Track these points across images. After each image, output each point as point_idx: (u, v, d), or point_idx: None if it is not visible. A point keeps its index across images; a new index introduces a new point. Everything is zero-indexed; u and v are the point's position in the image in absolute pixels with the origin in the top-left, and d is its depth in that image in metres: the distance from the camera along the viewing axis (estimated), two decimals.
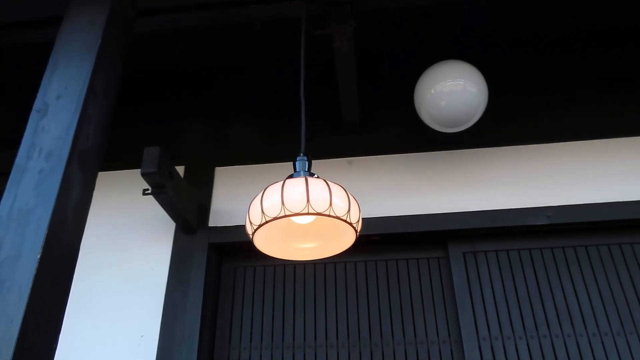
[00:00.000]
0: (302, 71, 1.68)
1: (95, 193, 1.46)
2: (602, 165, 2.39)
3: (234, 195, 2.57)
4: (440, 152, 2.52)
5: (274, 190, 1.30)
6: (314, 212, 1.24)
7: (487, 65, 2.32)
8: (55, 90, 1.49)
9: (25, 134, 1.43)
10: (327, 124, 2.64)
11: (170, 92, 2.89)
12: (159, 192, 2.13)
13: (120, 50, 1.66)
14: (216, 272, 2.44)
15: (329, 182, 1.32)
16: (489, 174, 2.45)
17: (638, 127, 2.44)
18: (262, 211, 1.28)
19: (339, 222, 1.39)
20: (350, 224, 1.31)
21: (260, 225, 1.29)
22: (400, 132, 2.61)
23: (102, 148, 1.52)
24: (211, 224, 2.49)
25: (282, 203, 1.25)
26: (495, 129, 2.50)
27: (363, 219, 1.44)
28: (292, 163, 2.51)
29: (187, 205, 2.35)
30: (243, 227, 2.38)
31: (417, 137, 2.55)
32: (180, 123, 2.80)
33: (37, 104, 1.47)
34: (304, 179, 1.31)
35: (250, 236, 1.37)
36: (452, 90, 2.14)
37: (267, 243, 1.46)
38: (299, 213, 1.24)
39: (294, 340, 2.27)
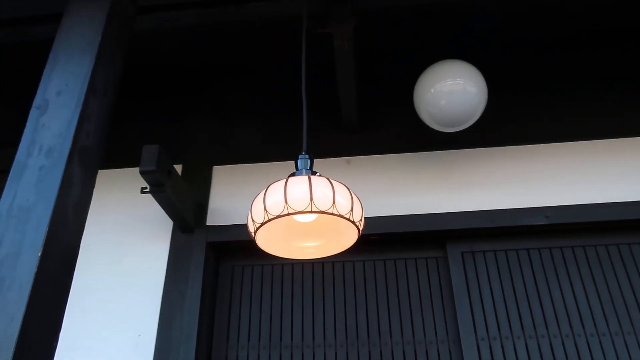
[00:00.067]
0: (303, 69, 1.67)
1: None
2: (601, 165, 2.40)
3: (232, 194, 2.56)
4: (439, 152, 2.52)
5: (276, 188, 1.30)
6: (318, 210, 1.24)
7: (487, 65, 2.33)
8: (55, 86, 1.48)
9: (25, 130, 1.41)
10: (325, 123, 2.64)
11: (168, 91, 2.87)
12: (158, 191, 2.12)
13: (121, 47, 1.65)
14: (214, 271, 2.43)
15: (332, 181, 1.32)
16: (487, 174, 2.46)
17: (637, 128, 2.45)
18: (265, 209, 1.27)
19: (341, 221, 1.39)
20: (353, 222, 1.31)
21: (263, 224, 1.28)
22: (399, 131, 2.61)
23: (102, 145, 1.51)
24: (209, 222, 2.49)
25: (285, 201, 1.25)
26: (494, 129, 2.50)
27: None
28: (290, 162, 2.50)
29: (185, 204, 2.34)
30: (241, 226, 2.42)
31: (416, 137, 2.55)
32: (179, 121, 2.79)
33: (37, 100, 1.46)
34: (307, 177, 1.31)
35: (253, 234, 1.36)
36: (452, 90, 2.14)
37: (269, 242, 1.45)
38: (303, 211, 1.24)
39: (292, 339, 2.26)
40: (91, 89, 1.46)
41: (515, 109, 2.58)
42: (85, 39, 1.55)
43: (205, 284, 2.31)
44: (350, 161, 2.58)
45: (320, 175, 1.36)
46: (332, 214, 1.25)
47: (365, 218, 1.42)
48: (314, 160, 1.50)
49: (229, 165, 2.64)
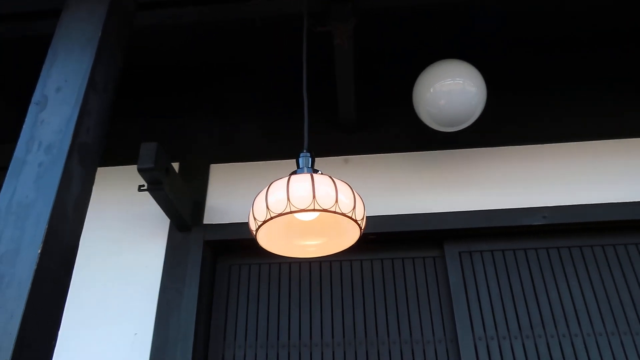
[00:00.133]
0: (304, 68, 1.67)
1: None
2: (599, 166, 2.41)
3: (230, 193, 2.55)
4: (437, 151, 2.53)
5: (279, 186, 1.29)
6: (320, 208, 1.23)
7: (486, 64, 2.33)
8: (54, 82, 1.47)
9: (24, 126, 1.40)
10: (324, 122, 2.63)
11: (167, 89, 2.86)
12: (155, 189, 2.11)
13: (121, 43, 1.64)
14: (211, 270, 2.42)
15: (334, 179, 1.31)
16: (485, 173, 2.46)
17: (635, 128, 2.47)
18: (267, 207, 1.26)
19: (342, 219, 1.38)
20: (356, 221, 1.30)
21: (265, 221, 1.28)
22: (398, 131, 2.61)
23: (101, 142, 1.50)
24: (206, 221, 2.47)
25: (288, 199, 1.24)
26: (493, 129, 2.51)
27: None
28: (289, 160, 2.51)
29: (182, 202, 2.33)
30: (239, 224, 2.41)
31: (414, 137, 2.55)
32: (177, 119, 2.78)
33: (36, 96, 1.45)
34: (309, 175, 1.30)
35: (254, 233, 1.35)
36: (451, 90, 2.14)
37: (270, 240, 1.45)
38: (305, 209, 1.23)
39: (289, 338, 2.26)
40: (91, 85, 1.45)
41: (514, 109, 2.59)
42: (85, 34, 1.54)
43: (203, 283, 2.30)
44: (348, 160, 2.57)
45: (322, 174, 1.35)
46: (334, 212, 1.25)
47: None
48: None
49: (226, 164, 2.63)
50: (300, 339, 2.25)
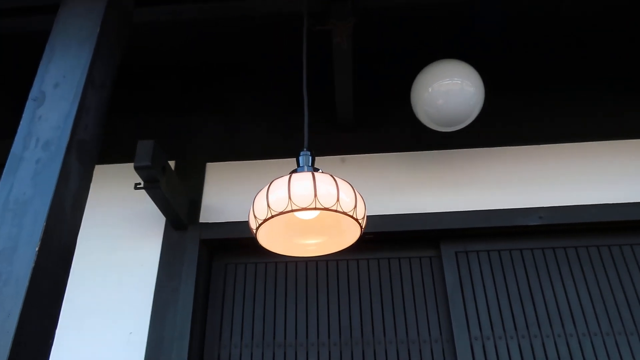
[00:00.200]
0: (304, 67, 1.66)
1: None
2: (594, 167, 2.43)
3: (226, 191, 2.54)
4: (434, 151, 2.53)
5: (280, 185, 1.28)
6: (322, 207, 1.23)
7: (485, 64, 2.33)
8: (52, 78, 1.45)
9: (21, 122, 1.39)
10: (321, 121, 2.62)
11: (164, 87, 2.84)
12: (152, 187, 2.09)
13: (119, 39, 1.63)
14: (207, 269, 2.41)
15: (335, 178, 1.31)
16: (482, 174, 2.47)
17: (633, 129, 2.49)
18: (268, 205, 1.26)
19: (342, 218, 1.38)
20: (357, 220, 1.30)
21: (265, 220, 1.27)
22: (396, 130, 2.61)
23: (99, 139, 1.49)
24: (202, 220, 2.46)
25: (289, 197, 1.23)
26: (489, 129, 2.51)
27: None
28: (285, 159, 2.50)
29: (179, 201, 2.31)
30: (235, 223, 2.40)
31: (412, 136, 2.55)
32: (173, 117, 2.76)
33: (34, 92, 1.43)
34: (310, 173, 1.30)
35: (254, 231, 1.34)
36: (449, 90, 2.14)
37: (270, 239, 1.44)
38: (307, 208, 1.23)
39: (285, 338, 2.25)
40: (90, 81, 1.44)
41: (512, 109, 2.60)
42: (83, 30, 1.52)
43: (198, 282, 2.29)
44: (345, 160, 2.57)
45: (323, 172, 1.35)
46: (336, 211, 1.24)
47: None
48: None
49: (222, 162, 2.61)
50: (296, 338, 2.25)
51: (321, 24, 1.99)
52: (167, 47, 2.58)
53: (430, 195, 2.43)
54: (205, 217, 2.46)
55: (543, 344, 2.14)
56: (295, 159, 1.47)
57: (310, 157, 1.45)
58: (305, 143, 1.51)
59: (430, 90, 2.16)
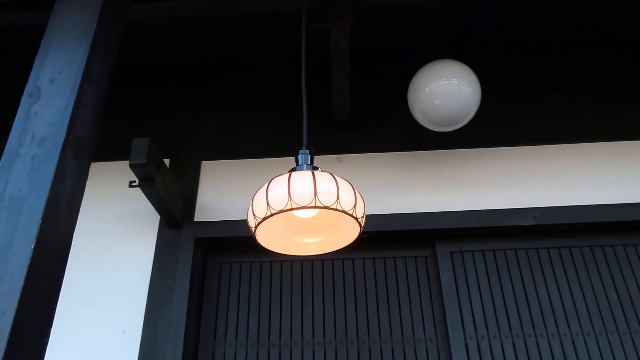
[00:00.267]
0: (303, 65, 1.65)
1: None
2: (589, 168, 2.44)
3: (221, 190, 2.52)
4: (430, 151, 2.53)
5: (279, 183, 1.28)
6: (322, 205, 1.22)
7: (483, 65, 2.34)
8: (48, 74, 1.43)
9: (16, 119, 1.36)
10: (317, 120, 2.60)
11: (160, 84, 2.81)
12: (147, 185, 2.07)
13: (116, 35, 1.60)
14: (201, 268, 2.39)
15: (335, 176, 1.30)
16: (477, 174, 2.47)
17: (630, 130, 2.50)
18: (268, 203, 1.25)
19: (341, 217, 1.38)
20: (357, 219, 1.30)
21: (265, 218, 1.26)
22: (392, 130, 2.61)
23: (96, 135, 1.47)
24: (197, 218, 2.44)
25: (289, 196, 1.23)
26: (486, 130, 2.52)
27: None
28: (280, 158, 2.49)
29: (174, 199, 2.29)
30: (230, 222, 2.39)
31: (407, 136, 2.55)
32: (169, 115, 2.74)
33: (29, 88, 1.41)
34: (310, 172, 1.29)
35: (253, 230, 1.33)
36: (446, 90, 2.14)
37: (269, 238, 1.43)
38: (307, 206, 1.22)
39: (280, 337, 2.24)
40: (87, 77, 1.42)
41: (508, 110, 2.61)
42: (80, 25, 1.50)
43: (193, 281, 2.27)
44: (341, 159, 2.57)
45: (322, 171, 1.34)
46: (336, 209, 1.24)
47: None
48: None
49: (218, 161, 2.60)
50: (291, 337, 2.24)
51: (319, 22, 1.98)
52: (163, 44, 2.56)
53: (426, 195, 2.43)
54: (200, 215, 2.45)
55: (537, 343, 2.15)
56: (292, 157, 1.47)
57: (309, 156, 1.44)
58: (304, 141, 1.50)
59: (427, 90, 2.16)
